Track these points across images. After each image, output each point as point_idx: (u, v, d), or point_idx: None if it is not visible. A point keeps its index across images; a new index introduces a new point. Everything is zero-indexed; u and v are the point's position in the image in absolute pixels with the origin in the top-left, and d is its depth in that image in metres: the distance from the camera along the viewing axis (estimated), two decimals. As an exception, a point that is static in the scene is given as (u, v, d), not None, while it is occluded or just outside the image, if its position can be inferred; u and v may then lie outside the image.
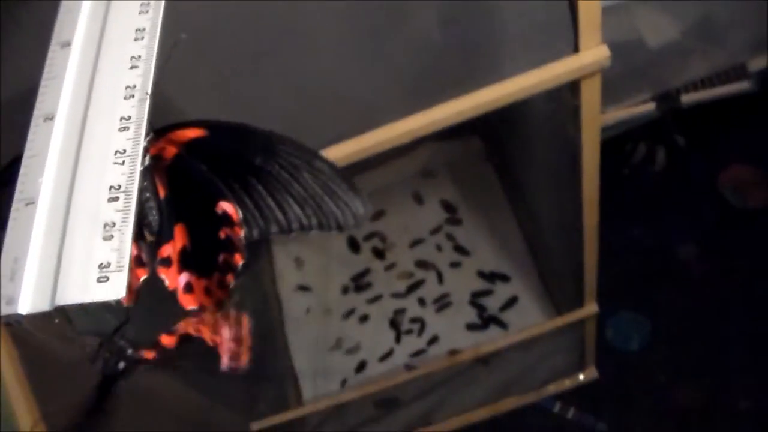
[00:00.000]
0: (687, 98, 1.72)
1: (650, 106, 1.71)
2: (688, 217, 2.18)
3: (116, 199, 0.44)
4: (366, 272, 2.27)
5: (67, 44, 0.51)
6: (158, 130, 0.56)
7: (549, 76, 0.99)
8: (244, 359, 0.68)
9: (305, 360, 2.18)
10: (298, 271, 2.34)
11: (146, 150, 0.52)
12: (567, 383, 2.03)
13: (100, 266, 0.43)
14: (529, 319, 2.00)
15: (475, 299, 2.12)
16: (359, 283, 2.26)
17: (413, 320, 2.14)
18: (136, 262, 0.54)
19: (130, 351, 0.67)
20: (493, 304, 2.10)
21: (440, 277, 2.19)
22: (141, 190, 0.47)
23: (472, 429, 2.06)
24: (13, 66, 0.96)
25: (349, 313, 2.22)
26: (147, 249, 0.56)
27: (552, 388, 2.03)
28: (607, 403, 2.03)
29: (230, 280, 0.56)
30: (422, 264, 2.22)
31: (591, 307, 1.68)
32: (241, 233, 0.56)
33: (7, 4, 0.82)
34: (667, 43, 1.67)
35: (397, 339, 2.13)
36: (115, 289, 0.42)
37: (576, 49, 0.99)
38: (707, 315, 2.06)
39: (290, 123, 1.09)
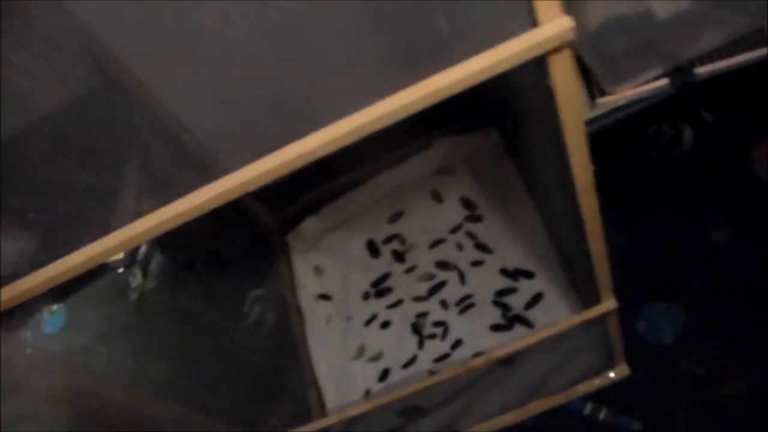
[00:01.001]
0: (702, 70, 1.60)
1: (663, 82, 1.60)
2: (719, 197, 2.05)
3: None
4: (386, 277, 2.20)
5: None
6: None
7: (505, 55, 0.90)
8: None
9: (328, 370, 2.11)
10: (317, 279, 2.28)
11: None
12: (597, 382, 1.92)
13: None
14: (556, 316, 1.91)
15: (499, 298, 2.03)
16: (379, 288, 2.19)
17: (436, 324, 2.06)
18: None
19: None
20: (517, 302, 2.01)
21: (462, 278, 2.10)
22: None
23: (499, 435, 1.96)
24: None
25: (371, 320, 2.15)
26: None
27: (581, 389, 1.93)
28: (642, 401, 1.91)
29: None
30: (443, 265, 2.14)
31: (608, 303, 1.57)
32: None
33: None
34: (677, 12, 1.55)
35: (420, 344, 2.05)
36: None
37: (534, 23, 0.89)
38: (745, 300, 1.92)
39: (227, 130, 1.03)
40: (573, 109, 1.03)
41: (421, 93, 0.92)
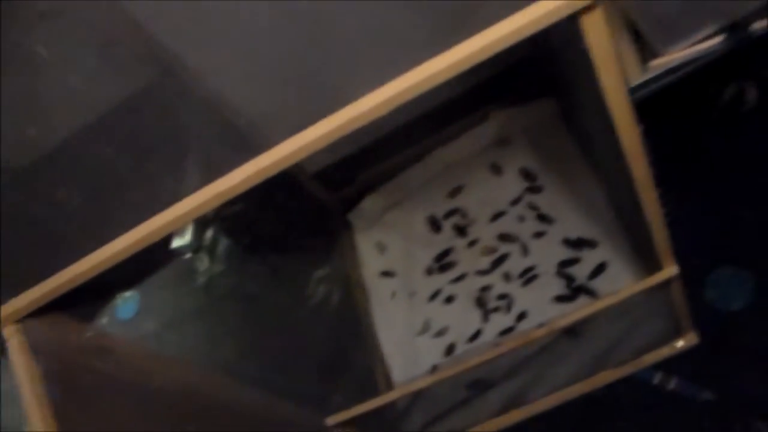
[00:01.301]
0: (759, 25, 1.54)
1: (717, 40, 1.55)
2: (788, 158, 1.98)
3: None
4: (448, 251, 2.19)
5: None
6: None
7: (534, 17, 0.88)
8: None
9: (394, 346, 2.12)
10: (380, 256, 2.28)
11: None
12: (665, 352, 1.88)
13: None
14: (620, 285, 1.87)
15: (563, 269, 2.01)
16: (442, 263, 2.19)
17: (500, 297, 2.05)
18: None
19: None
20: (581, 272, 1.98)
21: (525, 250, 2.09)
22: None
23: (566, 407, 1.93)
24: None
25: (435, 295, 2.15)
26: None
27: (649, 358, 1.88)
28: (712, 370, 1.86)
29: None
30: (505, 237, 2.13)
31: (670, 269, 1.53)
32: None
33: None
34: (731, -35, 1.51)
35: (485, 318, 2.04)
36: None
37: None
38: (818, 263, 1.86)
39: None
40: (611, 70, 1.01)
41: (455, 58, 0.90)
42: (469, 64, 0.91)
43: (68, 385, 1.18)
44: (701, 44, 1.56)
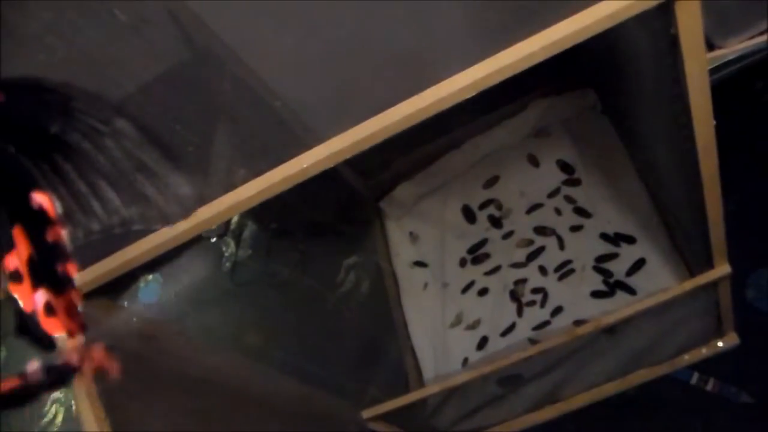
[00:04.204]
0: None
1: (775, 35, 1.51)
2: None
3: None
4: (483, 243, 2.16)
5: None
6: None
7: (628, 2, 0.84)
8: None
9: (425, 338, 2.09)
10: (413, 246, 2.25)
11: None
12: (704, 352, 1.85)
13: None
14: (659, 282, 1.84)
15: (600, 264, 1.98)
16: (476, 254, 2.15)
17: (535, 291, 2.02)
18: None
19: None
20: (619, 268, 1.94)
21: (561, 243, 2.05)
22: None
23: (600, 405, 1.90)
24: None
25: (468, 287, 2.12)
26: None
27: (687, 358, 1.85)
28: (751, 372, 1.83)
29: (76, 298, 0.43)
30: (541, 230, 2.09)
31: (722, 268, 1.50)
32: (63, 233, 0.42)
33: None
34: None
35: (519, 312, 2.01)
36: None
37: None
38: None
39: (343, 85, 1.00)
40: (698, 58, 0.97)
41: (547, 41, 0.86)
42: (566, 45, 0.86)
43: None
44: (760, 37, 1.52)
